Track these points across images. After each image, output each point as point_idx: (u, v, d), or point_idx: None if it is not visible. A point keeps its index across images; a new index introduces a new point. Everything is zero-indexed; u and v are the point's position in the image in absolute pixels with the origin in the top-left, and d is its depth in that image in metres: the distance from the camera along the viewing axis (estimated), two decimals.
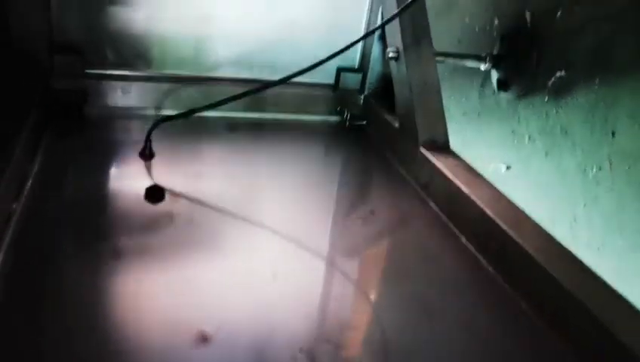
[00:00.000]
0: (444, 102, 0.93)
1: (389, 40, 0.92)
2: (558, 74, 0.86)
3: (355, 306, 0.60)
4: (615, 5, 0.77)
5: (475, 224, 0.69)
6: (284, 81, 0.79)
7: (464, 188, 0.72)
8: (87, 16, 0.88)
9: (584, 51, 0.82)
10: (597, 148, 0.79)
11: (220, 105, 0.80)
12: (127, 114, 0.91)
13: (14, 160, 0.63)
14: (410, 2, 0.81)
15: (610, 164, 0.78)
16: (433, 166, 0.78)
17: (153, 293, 0.55)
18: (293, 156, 0.92)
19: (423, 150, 0.81)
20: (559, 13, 0.87)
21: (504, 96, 0.99)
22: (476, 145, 1.09)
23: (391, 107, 0.96)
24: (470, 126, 1.09)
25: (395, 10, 0.88)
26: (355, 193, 0.85)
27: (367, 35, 0.95)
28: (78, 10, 0.88)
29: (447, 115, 0.93)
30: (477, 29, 1.07)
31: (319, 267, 0.65)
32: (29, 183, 0.68)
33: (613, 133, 0.77)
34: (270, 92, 0.90)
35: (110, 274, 0.57)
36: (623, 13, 0.76)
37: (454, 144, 0.88)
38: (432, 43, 0.89)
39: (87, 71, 0.89)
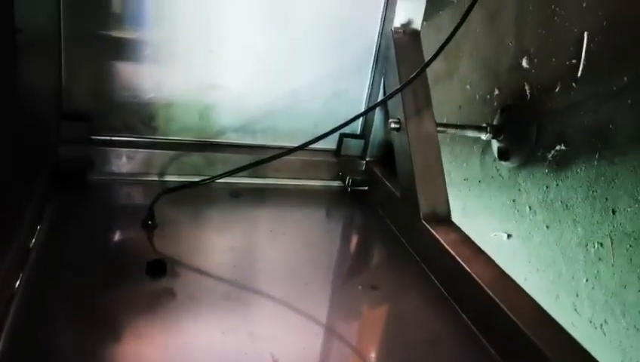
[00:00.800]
0: (445, 166, 0.94)
1: (391, 111, 0.94)
2: (558, 147, 0.88)
3: None
4: (613, 84, 0.79)
5: (477, 303, 0.69)
6: (299, 149, 0.80)
7: (466, 266, 0.72)
8: (96, 84, 0.90)
9: (583, 127, 0.83)
10: (598, 225, 0.79)
11: (227, 175, 0.81)
12: (132, 180, 0.92)
13: (18, 237, 0.64)
14: (413, 77, 0.83)
15: (612, 242, 0.78)
16: (435, 240, 0.78)
17: None
18: (295, 224, 0.92)
19: (424, 223, 0.82)
20: (558, 88, 0.89)
21: (505, 165, 1.00)
22: (477, 212, 1.10)
23: (393, 173, 0.97)
24: (471, 192, 1.10)
25: (398, 83, 0.90)
26: (357, 265, 0.84)
27: (370, 109, 0.97)
28: (86, 78, 0.90)
29: (448, 179, 0.93)
30: (477, 97, 1.09)
31: (319, 346, 0.65)
32: (33, 257, 0.68)
33: (613, 211, 0.77)
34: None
35: (109, 356, 0.57)
36: (621, 93, 0.78)
37: (455, 209, 0.89)
38: (433, 115, 0.90)
39: (93, 137, 0.91)
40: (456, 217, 0.86)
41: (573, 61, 0.85)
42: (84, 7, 0.86)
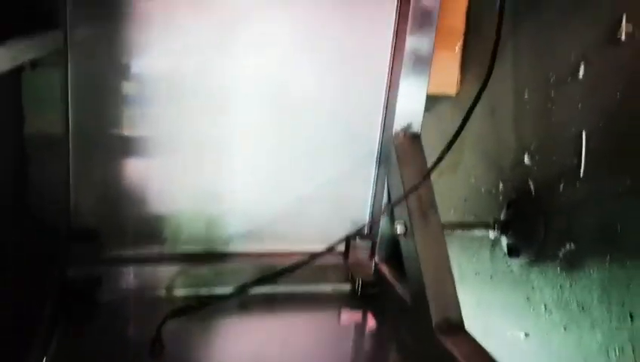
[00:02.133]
0: (456, 259, 0.93)
1: (396, 215, 0.94)
2: (568, 246, 0.87)
3: None
4: (617, 184, 0.78)
5: None
6: (308, 261, 0.81)
7: None
8: (103, 201, 0.92)
9: (590, 226, 0.83)
10: (617, 331, 0.77)
11: (236, 296, 0.81)
12: (140, 296, 0.91)
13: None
14: (415, 186, 0.84)
15: (633, 348, 0.75)
16: (449, 354, 0.76)
17: None
18: (307, 333, 0.91)
19: (437, 333, 0.79)
20: (562, 185, 0.89)
21: (516, 260, 0.98)
22: (491, 308, 1.07)
23: (403, 272, 0.95)
24: (484, 287, 1.08)
25: (401, 187, 0.91)
26: None
27: (375, 218, 0.98)
28: (94, 192, 0.91)
29: (459, 273, 0.92)
30: (483, 191, 1.10)
31: None
32: None
33: (631, 316, 0.75)
34: (280, 263, 0.90)
35: None
36: (625, 194, 0.78)
37: (468, 304, 0.86)
38: (439, 217, 0.90)
39: (101, 254, 0.91)
40: (469, 312, 0.83)
41: (574, 160, 0.85)
42: (92, 118, 0.88)
